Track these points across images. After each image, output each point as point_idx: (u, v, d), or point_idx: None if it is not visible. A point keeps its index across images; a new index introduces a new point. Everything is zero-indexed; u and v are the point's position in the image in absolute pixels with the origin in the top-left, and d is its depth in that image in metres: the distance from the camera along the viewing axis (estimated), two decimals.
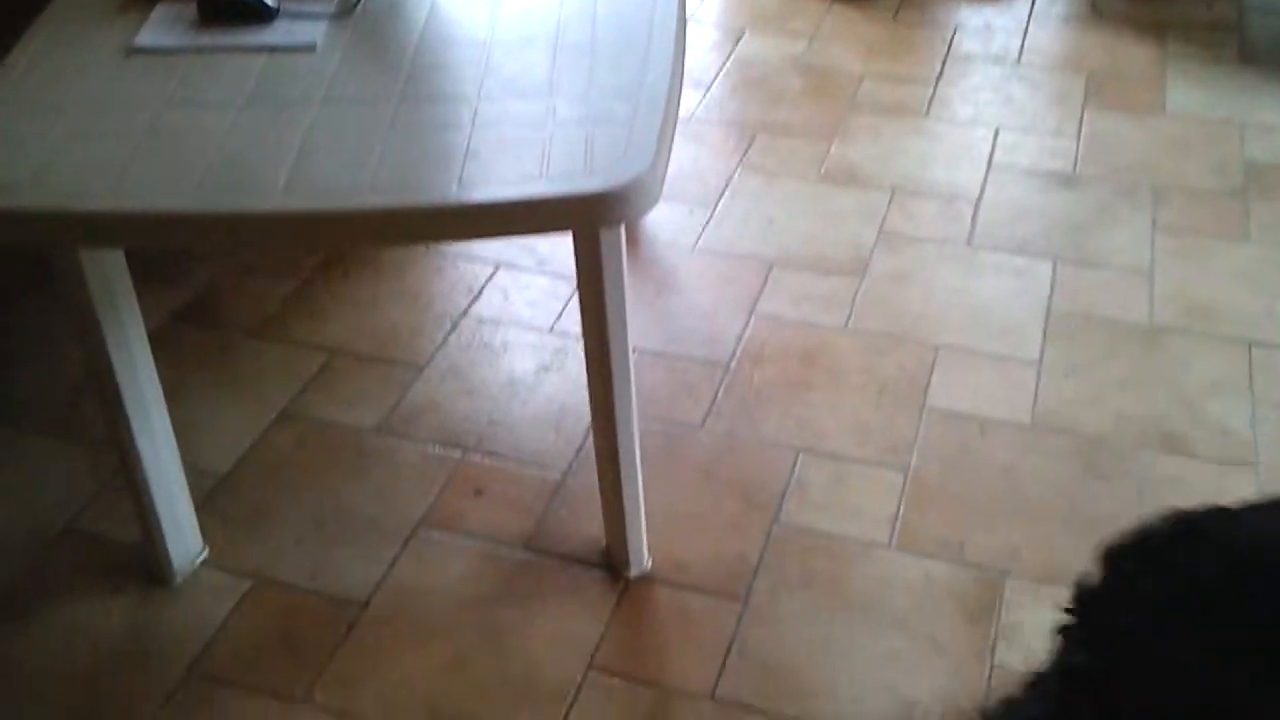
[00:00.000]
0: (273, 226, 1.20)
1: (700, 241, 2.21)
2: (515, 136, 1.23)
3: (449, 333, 2.03)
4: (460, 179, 1.17)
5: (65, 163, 1.20)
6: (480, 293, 2.12)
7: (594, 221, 1.26)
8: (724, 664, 1.48)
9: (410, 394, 1.91)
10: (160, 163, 1.21)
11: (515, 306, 2.08)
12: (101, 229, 1.22)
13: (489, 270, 2.17)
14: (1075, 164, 2.36)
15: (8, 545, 1.67)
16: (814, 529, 1.65)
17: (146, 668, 1.50)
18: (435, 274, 2.18)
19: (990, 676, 1.46)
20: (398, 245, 2.17)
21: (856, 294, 2.06)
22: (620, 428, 1.47)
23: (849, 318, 2.01)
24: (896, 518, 1.66)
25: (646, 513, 1.58)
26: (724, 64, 2.71)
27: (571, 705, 1.44)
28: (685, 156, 2.41)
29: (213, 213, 1.17)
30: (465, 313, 2.07)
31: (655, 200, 1.19)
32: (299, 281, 2.15)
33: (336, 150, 1.21)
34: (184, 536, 1.61)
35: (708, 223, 2.25)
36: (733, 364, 1.94)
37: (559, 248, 2.19)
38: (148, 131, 1.24)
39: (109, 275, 1.38)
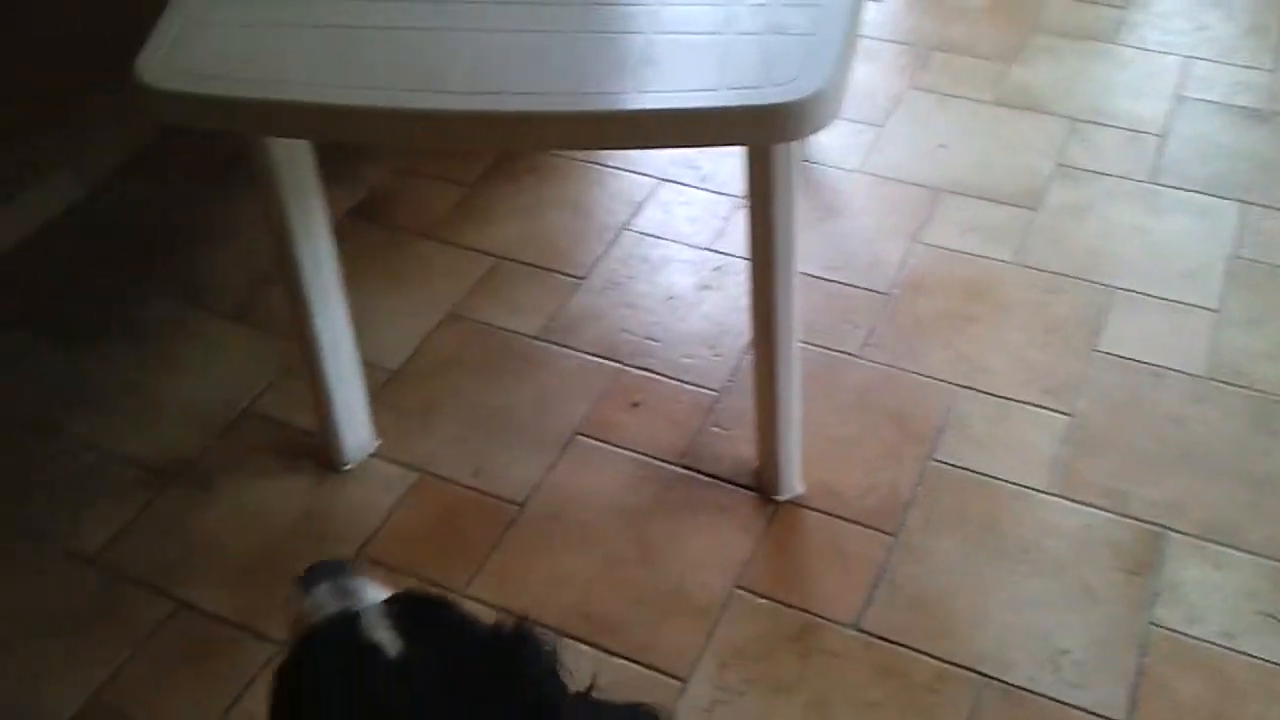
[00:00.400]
0: (457, 126, 1.20)
1: (865, 163, 2.17)
2: (693, 44, 1.21)
3: (610, 244, 2.05)
4: (638, 86, 1.17)
5: (260, 53, 1.24)
6: (641, 206, 2.12)
7: (770, 136, 1.23)
8: (870, 595, 1.50)
9: (571, 303, 1.94)
10: (350, 56, 1.23)
11: (676, 221, 2.09)
12: (294, 120, 1.24)
13: (651, 184, 2.17)
14: (1270, 99, 2.23)
15: (195, 421, 1.77)
16: (970, 467, 1.64)
17: (318, 548, 1.58)
18: (597, 185, 2.19)
19: (1148, 633, 1.44)
20: (575, 149, 2.17)
21: (1028, 227, 2.00)
22: (780, 351, 1.47)
23: (1019, 251, 1.96)
24: (1057, 462, 1.63)
25: (800, 438, 1.59)
26: None
27: (717, 621, 1.48)
28: (855, 73, 2.34)
29: (401, 109, 1.18)
30: (626, 225, 2.09)
31: (833, 117, 1.16)
32: (466, 187, 2.19)
33: (519, 52, 1.21)
34: (357, 426, 1.68)
35: (874, 144, 2.20)
36: (894, 292, 1.92)
37: (721, 164, 2.18)
38: (338, 24, 1.26)
39: (298, 166, 1.43)
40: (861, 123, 2.24)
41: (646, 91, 1.16)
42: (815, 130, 1.15)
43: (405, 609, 0.83)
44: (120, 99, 1.62)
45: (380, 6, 1.28)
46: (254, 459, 1.71)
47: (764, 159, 1.30)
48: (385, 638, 0.81)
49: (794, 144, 1.29)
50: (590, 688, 0.82)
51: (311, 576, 0.90)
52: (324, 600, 0.87)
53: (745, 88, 1.15)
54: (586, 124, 1.18)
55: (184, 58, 1.22)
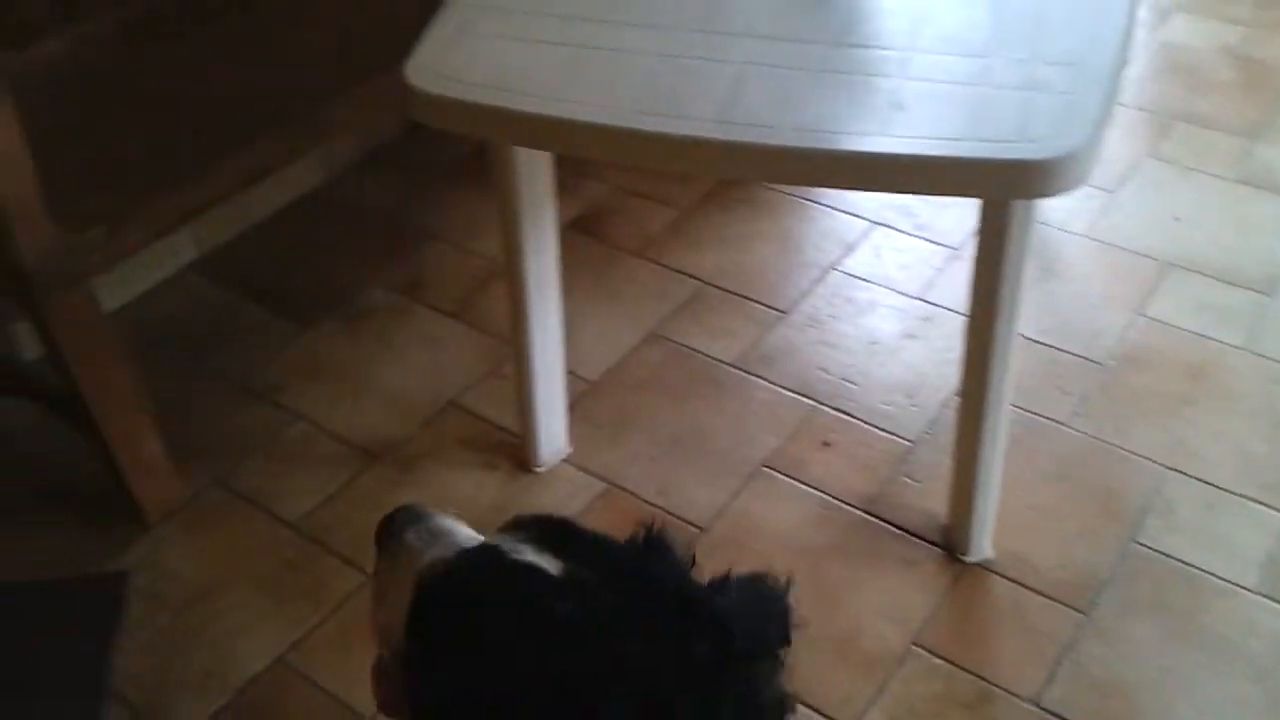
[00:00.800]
0: (701, 154, 1.21)
1: (1093, 228, 2.11)
2: (945, 93, 1.20)
3: (816, 282, 2.05)
4: (883, 129, 1.17)
5: (524, 66, 1.28)
6: (853, 247, 2.11)
7: (1015, 192, 1.21)
8: (1053, 672, 1.44)
9: (771, 335, 1.94)
10: (601, 75, 1.26)
11: (887, 267, 2.07)
12: (540, 132, 1.28)
13: (864, 226, 2.16)
14: None
15: (402, 407, 1.85)
16: (1175, 554, 1.56)
17: None
18: (809, 222, 2.19)
19: None
20: (810, 185, 2.17)
21: (1263, 313, 1.90)
22: (989, 411, 1.44)
23: (1250, 337, 1.86)
24: (1272, 562, 1.54)
25: (996, 501, 1.55)
26: (1149, 44, 2.54)
27: (890, 675, 1.45)
28: None
29: (646, 132, 1.20)
30: (835, 265, 2.08)
31: (1084, 180, 1.13)
32: (679, 211, 2.22)
33: (763, 85, 1.23)
34: (554, 431, 1.72)
35: (1104, 210, 2.14)
36: (1110, 363, 1.85)
37: (940, 214, 2.15)
38: (589, 43, 1.30)
39: (537, 177, 1.48)
40: (1093, 187, 2.17)
41: (892, 135, 1.16)
42: (1063, 191, 1.12)
43: (539, 532, 0.84)
44: (366, 96, 1.73)
45: (636, 33, 1.31)
46: (453, 450, 1.77)
47: (1001, 215, 1.28)
48: (539, 559, 0.81)
49: (1034, 203, 1.26)
50: (727, 575, 0.83)
51: (393, 525, 0.90)
52: (421, 541, 0.87)
53: (996, 140, 1.13)
54: (826, 162, 1.18)
55: (451, 65, 1.28)
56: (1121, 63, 1.24)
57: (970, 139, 1.14)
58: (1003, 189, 1.20)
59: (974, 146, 1.13)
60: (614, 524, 1.59)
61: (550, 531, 0.84)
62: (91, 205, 1.52)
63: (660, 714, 0.75)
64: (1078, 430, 1.75)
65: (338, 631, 1.53)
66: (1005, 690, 1.42)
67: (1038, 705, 1.41)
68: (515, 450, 1.75)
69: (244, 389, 1.89)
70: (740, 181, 2.28)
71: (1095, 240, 2.09)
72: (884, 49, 1.27)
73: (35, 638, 1.51)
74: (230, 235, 2.19)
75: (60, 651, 1.50)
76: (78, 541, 1.65)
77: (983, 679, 1.44)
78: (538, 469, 1.73)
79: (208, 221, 2.10)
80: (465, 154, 2.37)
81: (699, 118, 1.20)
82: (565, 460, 1.74)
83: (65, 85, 1.68)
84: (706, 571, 0.89)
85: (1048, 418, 1.76)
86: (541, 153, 1.46)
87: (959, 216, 2.14)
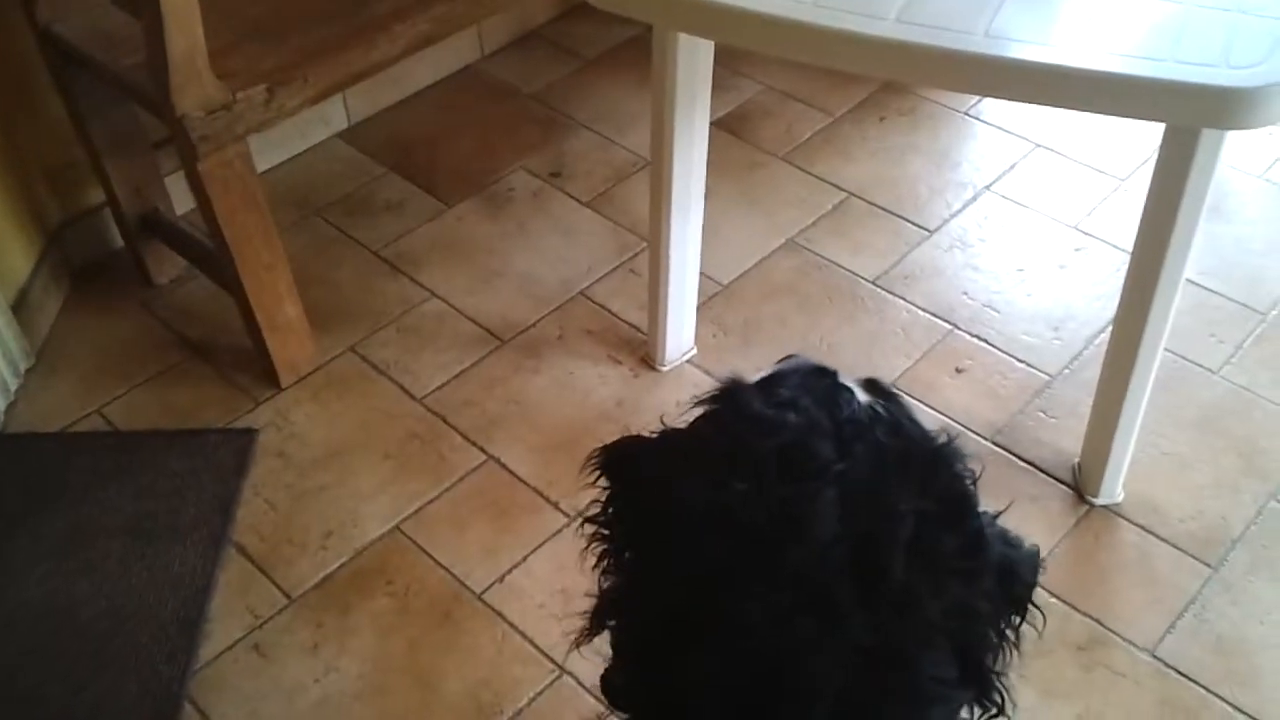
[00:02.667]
0: (880, 54, 1.16)
1: (1272, 170, 1.98)
2: (1145, 8, 1.13)
3: (969, 202, 1.97)
4: (1073, 42, 1.10)
5: None
6: (1011, 169, 2.03)
7: (1209, 120, 1.13)
8: (1174, 624, 1.40)
9: (915, 254, 1.89)
10: None
11: (1045, 193, 1.98)
12: (709, 19, 1.24)
13: (1027, 148, 2.06)
14: None
15: (534, 292, 1.85)
16: None
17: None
18: (969, 139, 2.11)
19: None
20: (993, 96, 2.05)
21: None
22: (1141, 352, 1.37)
23: None
24: None
25: (1133, 444, 1.49)
26: None
27: None
28: None
29: (822, 27, 1.16)
30: (990, 186, 2.00)
31: None
32: (832, 118, 2.16)
33: None
34: (681, 331, 1.71)
35: None
36: (1272, 314, 1.75)
37: (1110, 141, 2.04)
38: None
39: (696, 67, 1.44)
40: (1276, 126, 2.03)
41: (1082, 49, 1.09)
42: (1262, 125, 1.05)
43: (874, 385, 0.84)
44: None
45: None
46: (581, 340, 1.78)
47: (1186, 144, 1.20)
48: (857, 388, 0.82)
49: (1224, 135, 1.18)
50: (1002, 512, 0.83)
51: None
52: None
53: (1197, 64, 1.06)
54: (1014, 72, 1.12)
55: None
56: None
57: (1168, 59, 1.07)
58: (1196, 116, 1.12)
59: (1172, 68, 1.06)
60: None
61: (882, 389, 0.85)
62: (256, 64, 1.54)
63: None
64: (1228, 380, 1.66)
65: (455, 507, 1.56)
66: (1120, 636, 1.38)
67: (1152, 654, 1.37)
68: (641, 347, 1.75)
69: (383, 261, 1.92)
70: (904, 89, 2.19)
71: (1271, 183, 1.96)
72: None
73: (163, 484, 1.59)
74: (381, 106, 2.21)
75: (185, 499, 1.57)
76: (213, 396, 1.72)
77: (1099, 622, 1.40)
78: (662, 368, 1.72)
79: (361, 91, 2.12)
80: (618, 43, 2.33)
81: (880, 16, 1.15)
82: (689, 361, 1.73)
83: None
84: None
85: (1197, 363, 1.68)
86: (704, 43, 1.42)
87: (1129, 145, 2.03)
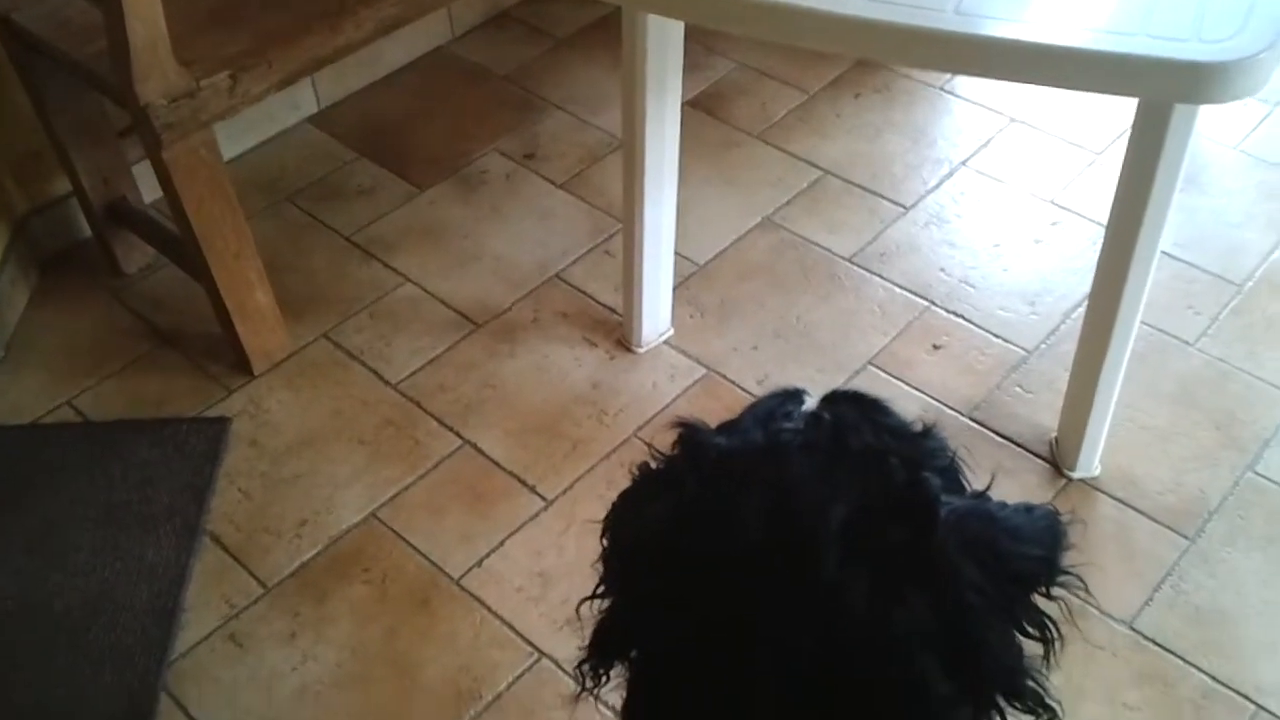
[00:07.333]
0: (847, 32, 1.13)
1: (1246, 142, 1.98)
2: None
3: (944, 178, 1.96)
4: (1045, 17, 1.09)
5: None
6: (987, 144, 2.02)
7: (1181, 95, 1.12)
8: (1152, 596, 1.40)
9: (891, 231, 1.88)
10: None
11: (1021, 167, 1.97)
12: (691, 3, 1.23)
13: (1002, 123, 2.06)
14: None
15: (508, 275, 1.84)
16: None
17: (598, 419, 1.63)
18: (944, 115, 2.10)
19: None
20: (956, 72, 2.05)
21: None
22: (1118, 325, 1.36)
23: None
24: None
25: (1110, 418, 1.49)
26: None
27: None
28: None
29: (787, 5, 1.14)
30: (966, 162, 1.99)
31: (1259, 88, 1.05)
32: (807, 95, 2.14)
33: None
34: (657, 312, 1.70)
35: (1263, 123, 2.00)
36: (1248, 285, 1.75)
37: (1085, 115, 2.04)
38: None
39: (666, 46, 1.42)
40: (1254, 97, 2.03)
41: (1053, 25, 1.08)
42: (1235, 99, 1.04)
43: (840, 396, 0.81)
44: None
45: None
46: (555, 323, 1.76)
47: (1160, 119, 1.19)
48: (812, 401, 0.81)
49: (1197, 109, 1.17)
50: (988, 487, 0.78)
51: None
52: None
53: (1168, 39, 1.05)
54: (979, 49, 1.10)
55: None
56: None
57: (1140, 34, 1.06)
58: (1168, 91, 1.12)
59: (1143, 43, 1.05)
60: (710, 411, 1.58)
61: (849, 397, 0.81)
62: (219, 50, 1.52)
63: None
64: (1204, 352, 1.66)
65: (431, 493, 1.55)
66: (1097, 610, 1.38)
67: (1130, 627, 1.37)
68: (616, 328, 1.74)
69: (355, 246, 1.90)
70: (879, 66, 2.18)
71: (1247, 154, 1.96)
72: None
73: (135, 475, 1.57)
74: (351, 90, 2.19)
75: (158, 489, 1.55)
76: (185, 385, 1.70)
77: (1075, 595, 1.40)
78: (638, 349, 1.71)
79: (330, 74, 2.09)
80: (590, 22, 2.31)
81: None
82: (666, 342, 1.72)
83: None
84: None
85: (1174, 336, 1.68)
86: (674, 23, 1.41)
87: (1104, 119, 2.03)
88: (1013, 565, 0.72)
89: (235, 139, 2.02)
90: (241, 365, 1.70)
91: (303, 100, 2.12)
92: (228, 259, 1.59)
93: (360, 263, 1.87)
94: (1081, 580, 0.75)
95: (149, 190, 1.82)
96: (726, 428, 0.81)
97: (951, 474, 0.78)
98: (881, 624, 0.69)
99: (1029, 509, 0.76)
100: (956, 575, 0.70)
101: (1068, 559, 0.75)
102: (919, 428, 0.79)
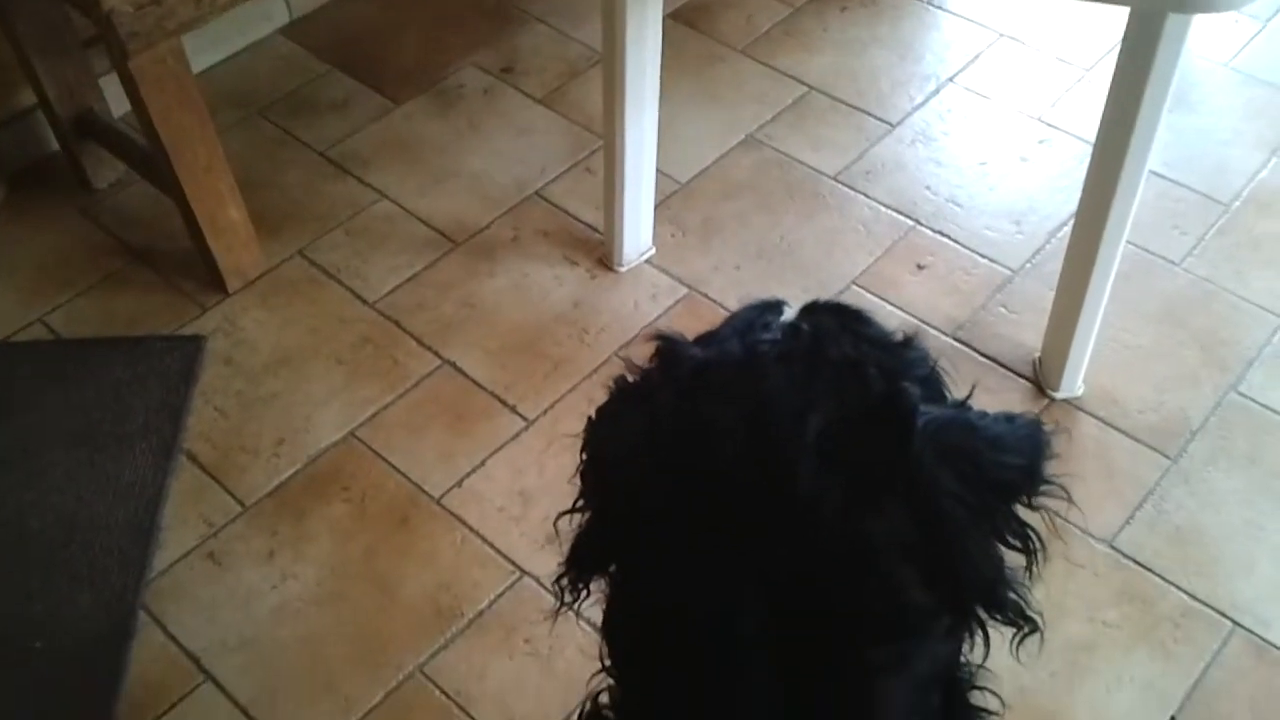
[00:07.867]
0: None
1: (1236, 59, 1.95)
2: None
3: (931, 95, 1.93)
4: None
5: None
6: (975, 60, 1.98)
7: (1173, 4, 1.11)
8: (1132, 515, 1.40)
9: (877, 149, 1.85)
10: None
11: (1008, 84, 1.94)
12: None
13: (990, 38, 2.02)
14: None
15: (487, 193, 1.81)
16: (1277, 408, 1.49)
17: (579, 338, 1.61)
18: (932, 30, 2.06)
19: None
20: None
21: None
22: (1104, 244, 1.35)
23: None
24: None
25: (1094, 337, 1.48)
26: None
27: None
28: None
29: None
30: (953, 78, 1.96)
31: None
32: (793, 9, 2.10)
33: None
34: (639, 231, 1.67)
35: (1253, 40, 1.97)
36: (1235, 205, 1.73)
37: (1074, 30, 2.00)
38: None
39: None
40: (1243, 12, 2.00)
41: None
42: (1227, 9, 1.01)
43: (820, 306, 0.79)
44: None
45: None
46: (535, 241, 1.74)
47: (1150, 30, 1.17)
48: (791, 312, 0.78)
49: (1188, 21, 1.15)
50: (968, 396, 0.76)
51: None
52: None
53: None
54: None
55: None
56: None
57: None
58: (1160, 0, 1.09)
59: None
60: (693, 330, 1.56)
61: (831, 306, 0.79)
62: None
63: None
64: (1190, 272, 1.65)
65: (410, 412, 1.54)
66: (1078, 528, 1.39)
67: (1111, 545, 1.38)
68: (597, 247, 1.71)
69: (329, 162, 1.86)
70: None
71: (1236, 71, 1.93)
72: None
73: (109, 393, 1.55)
74: (323, 0, 2.13)
75: (133, 408, 1.53)
76: (158, 302, 1.67)
77: (1056, 514, 1.40)
78: (619, 268, 1.69)
79: None
80: None
81: None
82: (648, 261, 1.70)
83: None
84: None
85: (1159, 255, 1.67)
86: None
87: (1094, 34, 1.99)
88: (993, 474, 0.70)
89: (205, 51, 1.97)
90: (215, 283, 1.67)
91: (274, 10, 2.06)
92: (198, 172, 1.55)
93: (335, 179, 1.84)
94: (1065, 490, 0.73)
95: (119, 104, 1.77)
96: (704, 339, 0.79)
97: (932, 384, 0.77)
98: (859, 534, 0.67)
99: (1010, 418, 0.74)
100: (934, 484, 0.68)
101: (1050, 469, 0.73)
102: (899, 337, 0.77)
